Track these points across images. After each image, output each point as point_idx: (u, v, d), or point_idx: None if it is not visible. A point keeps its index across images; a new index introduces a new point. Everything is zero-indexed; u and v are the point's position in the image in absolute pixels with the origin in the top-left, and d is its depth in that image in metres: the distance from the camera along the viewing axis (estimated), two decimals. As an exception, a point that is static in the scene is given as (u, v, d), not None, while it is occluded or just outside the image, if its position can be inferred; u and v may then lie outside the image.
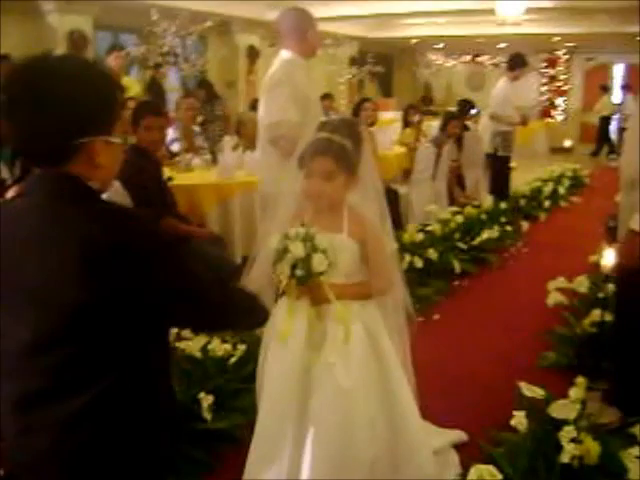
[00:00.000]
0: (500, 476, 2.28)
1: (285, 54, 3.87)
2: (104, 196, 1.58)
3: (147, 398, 1.55)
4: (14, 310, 1.46)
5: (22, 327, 1.44)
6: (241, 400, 3.03)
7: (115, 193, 3.26)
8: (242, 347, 3.29)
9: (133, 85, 8.41)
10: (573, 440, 2.42)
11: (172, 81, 10.35)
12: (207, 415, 2.85)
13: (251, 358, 2.98)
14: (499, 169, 8.27)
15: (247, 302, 1.74)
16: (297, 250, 2.13)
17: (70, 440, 1.47)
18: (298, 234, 2.16)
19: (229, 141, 6.40)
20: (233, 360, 3.25)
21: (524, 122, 8.42)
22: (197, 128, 6.73)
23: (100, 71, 1.52)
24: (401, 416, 2.39)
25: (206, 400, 2.86)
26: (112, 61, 7.63)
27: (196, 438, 2.80)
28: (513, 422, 2.63)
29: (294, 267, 2.15)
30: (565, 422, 2.54)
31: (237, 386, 3.13)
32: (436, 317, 4.71)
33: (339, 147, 2.30)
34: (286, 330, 2.27)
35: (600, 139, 15.82)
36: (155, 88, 9.26)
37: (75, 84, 1.43)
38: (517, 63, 8.07)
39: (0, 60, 8.23)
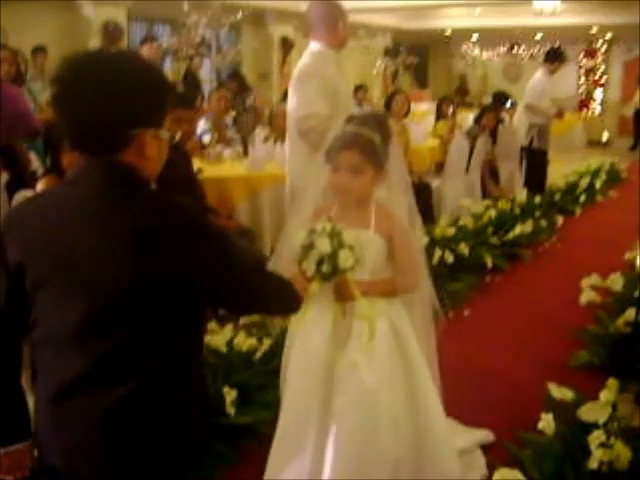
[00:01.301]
0: (525, 480, 2.23)
1: (314, 46, 3.83)
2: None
3: (185, 390, 1.57)
4: (63, 294, 1.47)
5: (71, 311, 1.46)
6: (266, 395, 3.01)
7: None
8: (268, 342, 3.28)
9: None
10: (602, 445, 2.36)
11: (206, 73, 10.37)
12: (230, 410, 2.85)
13: (276, 353, 2.96)
14: (535, 163, 8.16)
15: (282, 288, 1.81)
16: (324, 246, 2.08)
17: (110, 430, 1.49)
18: (325, 229, 2.11)
19: (260, 133, 6.39)
20: (258, 354, 3.24)
21: (560, 115, 8.29)
22: (229, 120, 6.72)
23: (153, 67, 1.58)
24: (426, 416, 2.35)
25: (230, 395, 2.86)
26: (145, 52, 7.64)
27: (219, 432, 2.80)
28: (541, 425, 2.57)
29: (320, 263, 2.11)
30: (595, 425, 2.47)
31: (262, 381, 3.12)
32: (466, 313, 4.65)
33: (367, 141, 2.26)
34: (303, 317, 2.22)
35: (637, 132, 15.48)
36: (190, 79, 9.28)
37: (130, 78, 1.46)
38: (555, 57, 7.95)
39: (36, 51, 8.35)
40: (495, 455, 2.78)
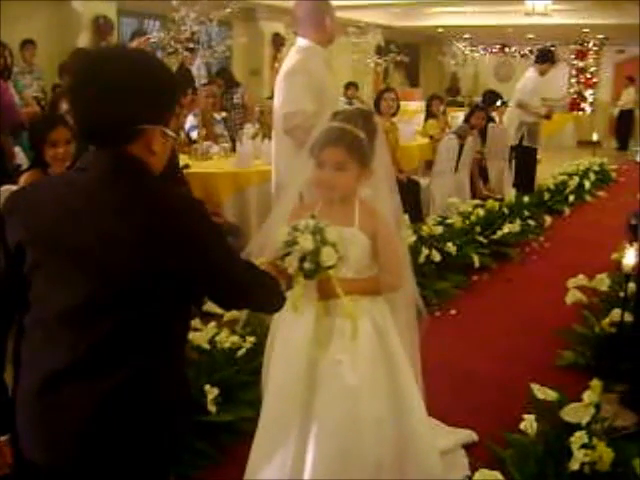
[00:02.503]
0: (505, 482, 2.21)
1: (302, 42, 3.79)
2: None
3: (172, 381, 1.59)
4: (64, 276, 1.48)
5: (71, 292, 1.47)
6: (248, 393, 2.98)
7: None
8: (251, 339, 3.25)
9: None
10: (584, 446, 2.34)
11: (196, 68, 10.31)
12: (212, 408, 2.83)
13: (260, 350, 2.93)
14: (525, 160, 8.18)
15: (270, 285, 1.83)
16: (306, 243, 2.06)
17: (96, 422, 1.48)
18: (308, 226, 2.09)
19: (249, 130, 6.36)
20: (241, 352, 3.21)
21: (549, 115, 8.30)
22: (217, 116, 6.69)
23: (166, 67, 1.64)
24: (408, 416, 2.32)
25: (211, 393, 2.83)
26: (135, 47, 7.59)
27: (201, 430, 2.77)
28: (522, 425, 2.56)
29: (302, 260, 2.08)
30: (578, 426, 2.46)
31: (245, 378, 3.10)
32: (453, 312, 4.64)
33: (352, 137, 2.24)
34: (296, 299, 2.18)
35: (620, 133, 15.57)
36: (182, 74, 9.17)
37: (144, 76, 1.52)
38: (545, 58, 7.97)
39: (25, 44, 8.29)
40: (478, 455, 2.77)
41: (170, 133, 1.60)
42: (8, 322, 1.62)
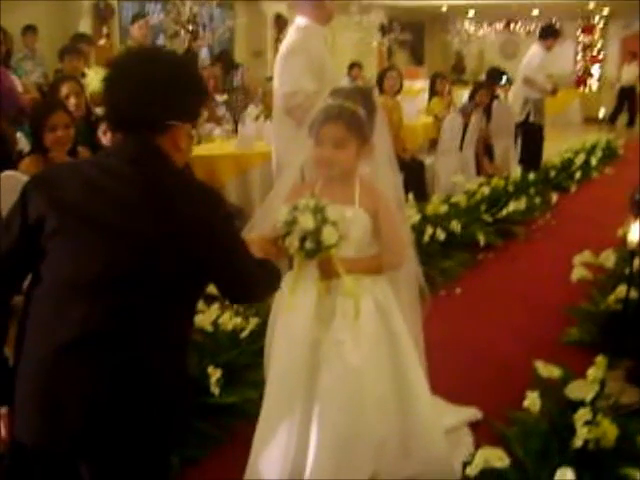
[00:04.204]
0: (508, 460, 2.19)
1: (300, 21, 3.76)
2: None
3: (179, 360, 1.64)
4: (85, 245, 1.53)
5: (85, 264, 1.52)
6: (253, 374, 2.98)
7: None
8: (254, 320, 3.24)
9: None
10: (588, 422, 2.32)
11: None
12: (215, 389, 2.82)
13: (263, 331, 2.92)
14: (531, 138, 8.12)
15: (274, 277, 1.90)
16: (307, 222, 2.05)
17: (106, 393, 1.51)
18: (308, 205, 2.08)
19: (253, 112, 6.34)
20: (245, 334, 3.21)
21: (554, 91, 8.23)
22: (219, 98, 6.66)
23: (198, 71, 1.80)
24: (411, 395, 2.32)
25: (214, 374, 2.83)
26: (136, 31, 7.50)
27: (205, 412, 2.77)
28: (526, 403, 2.54)
29: (303, 240, 2.07)
30: (582, 403, 2.44)
31: (249, 360, 3.09)
32: (458, 291, 4.62)
33: (351, 114, 2.22)
34: (291, 302, 2.21)
35: (631, 108, 15.36)
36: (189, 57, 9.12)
37: (179, 76, 1.64)
38: (549, 33, 7.90)
39: (27, 30, 8.24)
40: (482, 433, 2.76)
41: (194, 134, 1.72)
42: (12, 291, 1.65)
